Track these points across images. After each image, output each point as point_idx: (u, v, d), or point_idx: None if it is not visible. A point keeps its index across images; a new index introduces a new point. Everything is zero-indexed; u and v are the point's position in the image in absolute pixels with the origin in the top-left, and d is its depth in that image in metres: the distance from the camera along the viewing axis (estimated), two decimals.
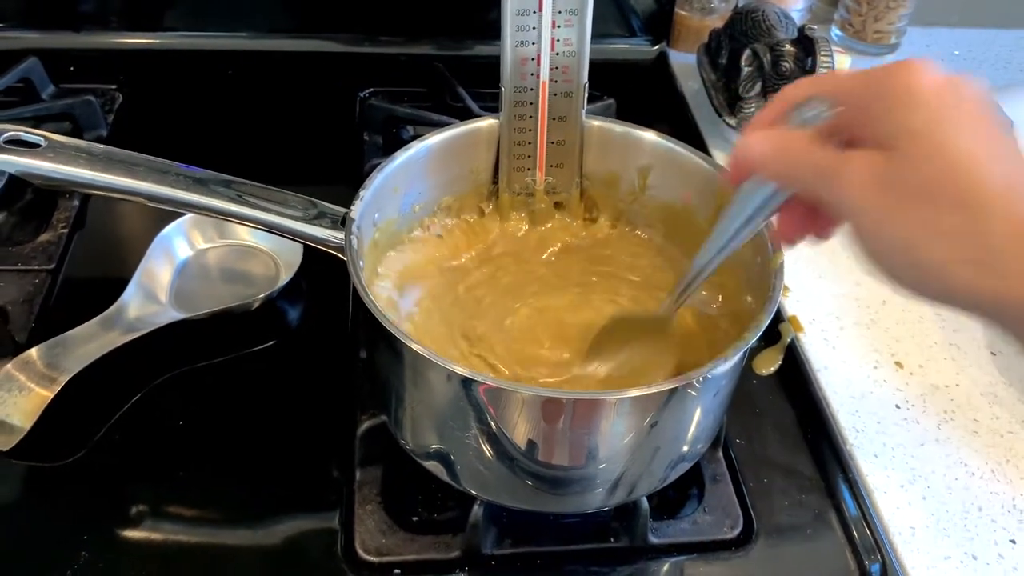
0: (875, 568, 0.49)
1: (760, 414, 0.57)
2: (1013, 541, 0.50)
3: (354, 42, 0.83)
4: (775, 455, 0.55)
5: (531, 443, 0.42)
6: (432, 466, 0.47)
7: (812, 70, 0.70)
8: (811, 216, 0.39)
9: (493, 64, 0.53)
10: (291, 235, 0.48)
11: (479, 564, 0.48)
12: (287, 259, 0.62)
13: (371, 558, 0.47)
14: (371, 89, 0.81)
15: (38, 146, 0.46)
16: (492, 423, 0.41)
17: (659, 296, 0.50)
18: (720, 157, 0.73)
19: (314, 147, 0.76)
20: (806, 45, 0.71)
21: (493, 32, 0.52)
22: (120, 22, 0.81)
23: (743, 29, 0.76)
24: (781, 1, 0.81)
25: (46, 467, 0.51)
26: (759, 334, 0.42)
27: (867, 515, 0.51)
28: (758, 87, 0.74)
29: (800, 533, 0.51)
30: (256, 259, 0.63)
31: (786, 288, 0.65)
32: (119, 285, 0.58)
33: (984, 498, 0.52)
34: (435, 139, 0.52)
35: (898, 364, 0.60)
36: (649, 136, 0.54)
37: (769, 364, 0.59)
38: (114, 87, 0.79)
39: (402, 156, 0.51)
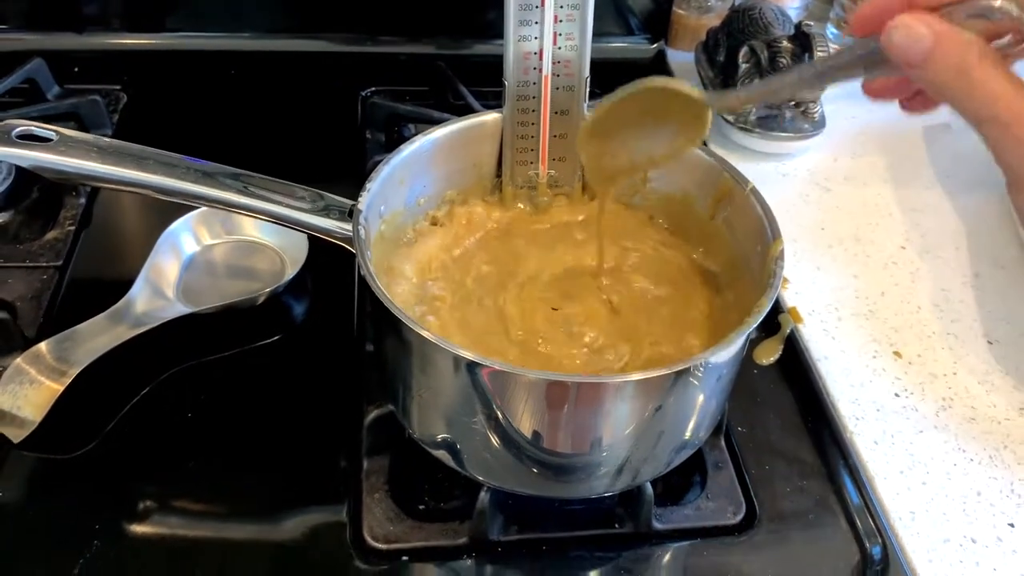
0: (876, 551, 0.50)
1: (761, 403, 0.58)
2: (1012, 524, 0.51)
3: (356, 42, 0.84)
4: (777, 443, 0.55)
5: (537, 426, 0.42)
6: (440, 454, 0.48)
7: None
8: (910, 90, 0.37)
9: (494, 63, 0.53)
10: (299, 226, 0.49)
11: (486, 550, 0.48)
12: (292, 255, 0.63)
13: (379, 545, 0.48)
14: (373, 88, 0.82)
15: (50, 140, 0.47)
16: (497, 407, 0.42)
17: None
18: (718, 152, 0.74)
19: (317, 146, 0.77)
20: (803, 41, 0.72)
21: (494, 31, 0.53)
22: (123, 23, 0.82)
23: (740, 27, 0.77)
24: None
25: (57, 459, 0.52)
26: (761, 318, 0.43)
27: (868, 500, 0.52)
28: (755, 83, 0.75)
29: (802, 518, 0.51)
30: (262, 255, 0.64)
31: (785, 280, 0.66)
32: (125, 282, 0.58)
33: (983, 483, 0.53)
34: (440, 133, 0.53)
35: (897, 354, 0.61)
36: None
37: (769, 354, 0.60)
38: (118, 87, 0.80)
39: (408, 149, 0.51)
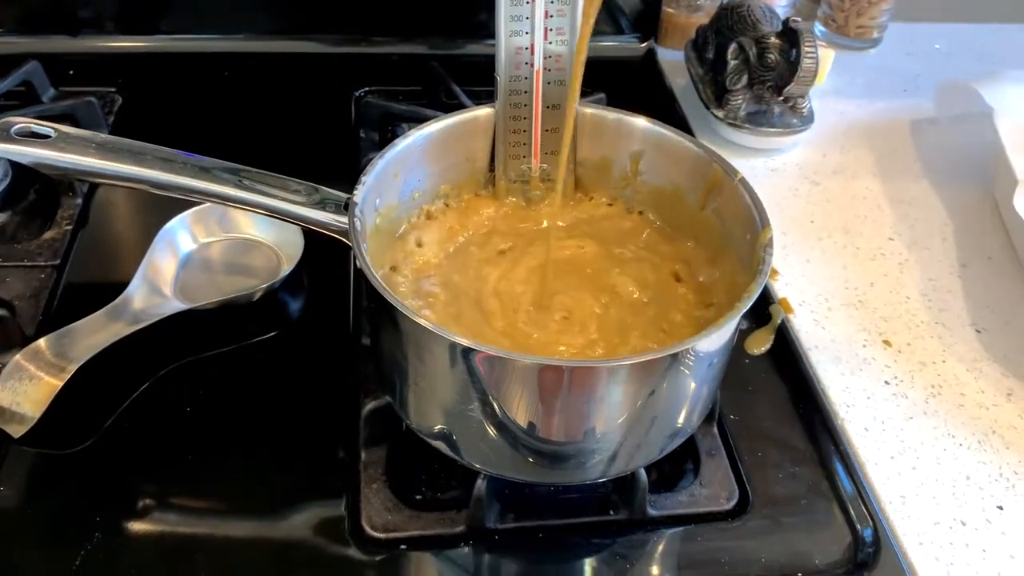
0: (867, 534, 0.50)
1: (753, 391, 0.58)
2: (1000, 507, 0.52)
3: (349, 43, 0.85)
4: (769, 430, 0.56)
5: (531, 411, 0.43)
6: (437, 443, 0.48)
7: (797, 61, 0.72)
8: None
9: (486, 63, 0.54)
10: (295, 220, 0.49)
11: (483, 538, 0.49)
12: (288, 252, 0.63)
13: (378, 534, 0.49)
14: (367, 88, 0.83)
15: (48, 137, 0.47)
16: (493, 394, 0.43)
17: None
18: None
19: (311, 146, 0.77)
20: (791, 37, 0.73)
21: (485, 32, 0.54)
22: (117, 26, 0.83)
23: (729, 24, 0.78)
24: None
25: (56, 454, 0.52)
26: (751, 303, 0.43)
27: (859, 485, 0.53)
28: (744, 79, 0.76)
29: (794, 504, 0.52)
30: (258, 251, 0.64)
31: (775, 271, 0.67)
32: (122, 280, 0.59)
33: (972, 467, 0.54)
34: (434, 127, 0.54)
35: (886, 343, 0.62)
36: (641, 122, 0.56)
37: (761, 344, 0.61)
38: (113, 90, 0.81)
39: (402, 143, 0.52)
